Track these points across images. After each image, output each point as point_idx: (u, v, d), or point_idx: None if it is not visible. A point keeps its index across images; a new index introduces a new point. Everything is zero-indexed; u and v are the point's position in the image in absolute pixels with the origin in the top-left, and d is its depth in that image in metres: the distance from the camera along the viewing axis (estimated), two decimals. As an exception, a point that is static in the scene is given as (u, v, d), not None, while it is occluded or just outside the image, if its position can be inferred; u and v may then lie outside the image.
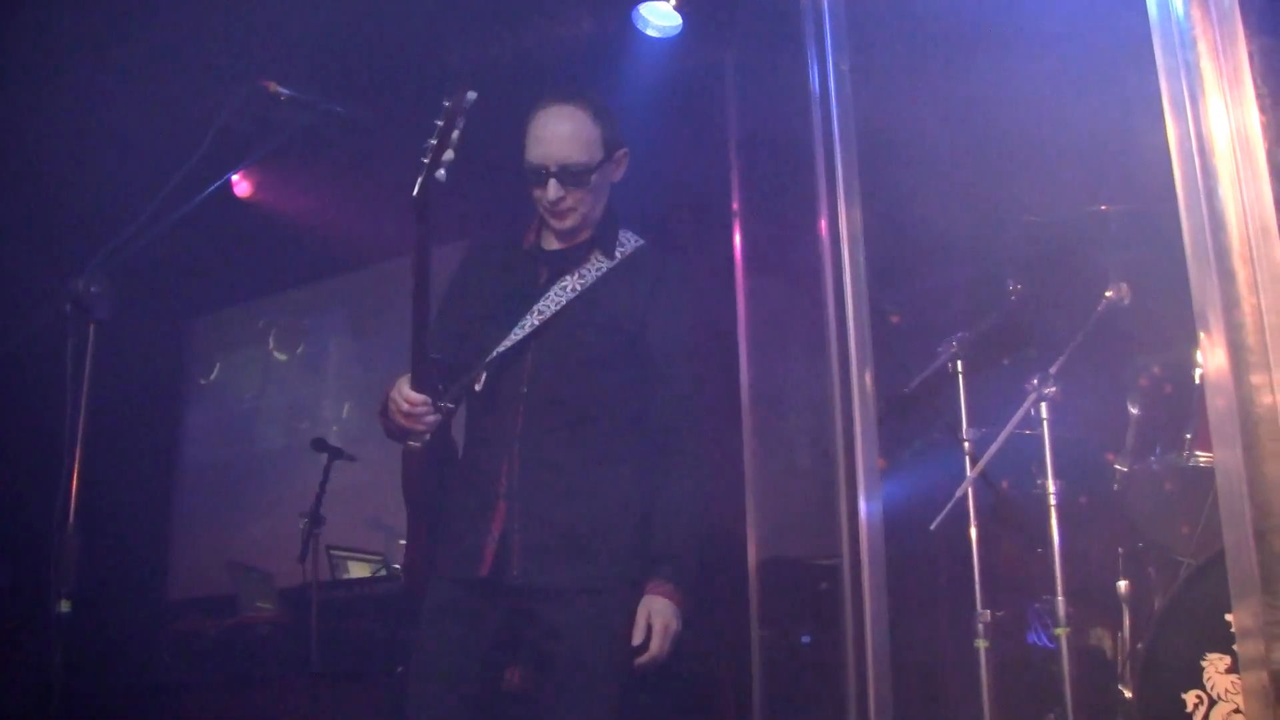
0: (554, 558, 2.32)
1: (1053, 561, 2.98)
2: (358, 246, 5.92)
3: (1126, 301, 3.18)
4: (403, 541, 2.70)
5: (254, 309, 6.87)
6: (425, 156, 2.29)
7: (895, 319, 3.47)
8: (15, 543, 4.63)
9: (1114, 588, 3.29)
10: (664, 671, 2.33)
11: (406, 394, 2.31)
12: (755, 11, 4.01)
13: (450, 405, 2.37)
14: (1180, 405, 3.16)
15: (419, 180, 2.28)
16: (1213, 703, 2.49)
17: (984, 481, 3.20)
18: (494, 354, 2.42)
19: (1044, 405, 3.10)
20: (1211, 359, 1.59)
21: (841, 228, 2.50)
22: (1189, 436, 3.10)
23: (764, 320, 4.05)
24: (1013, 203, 3.45)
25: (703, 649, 3.71)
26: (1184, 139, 1.65)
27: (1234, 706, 2.45)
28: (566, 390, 2.40)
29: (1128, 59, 2.08)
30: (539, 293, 2.46)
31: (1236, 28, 1.64)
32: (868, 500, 2.38)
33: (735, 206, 4.13)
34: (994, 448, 3.12)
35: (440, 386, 2.34)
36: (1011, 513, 3.22)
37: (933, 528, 3.15)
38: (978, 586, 3.12)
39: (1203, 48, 1.65)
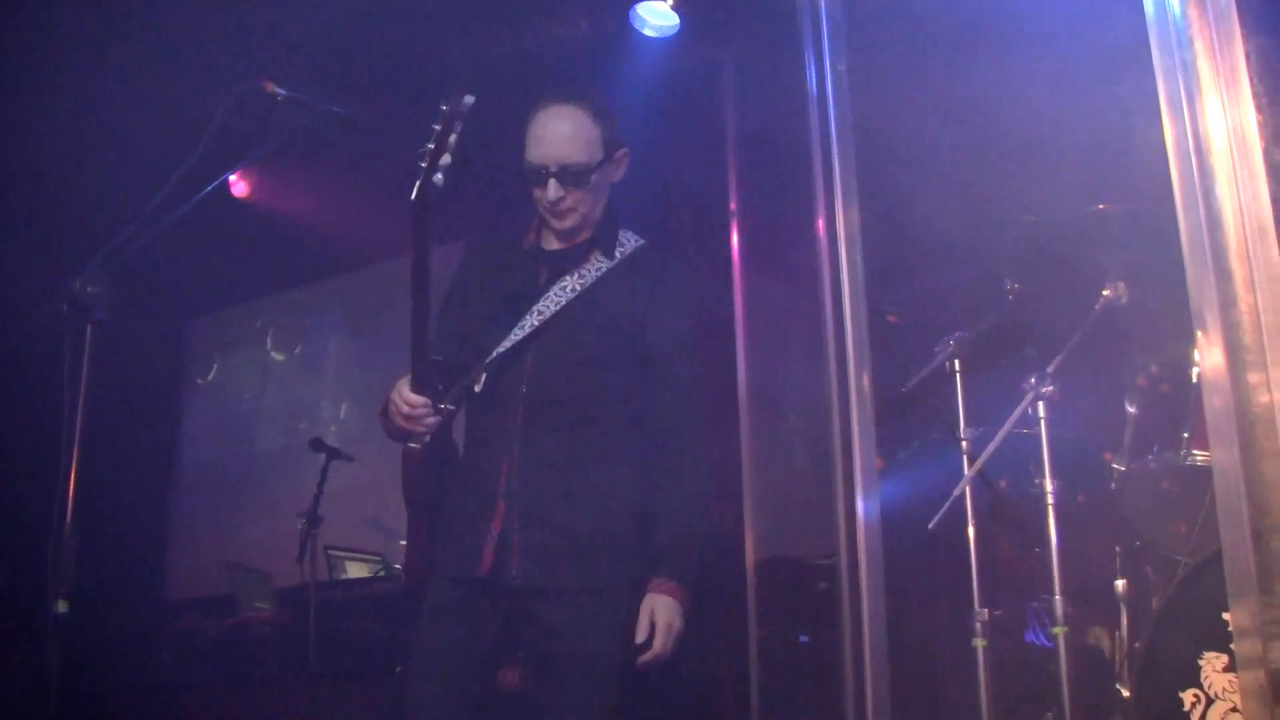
0: (553, 558, 2.32)
1: (1050, 560, 2.98)
2: (356, 247, 5.91)
3: (1124, 301, 3.18)
4: (402, 542, 2.70)
5: (252, 309, 6.86)
6: (423, 161, 2.29)
7: (893, 318, 3.48)
8: (13, 543, 4.62)
9: (1112, 587, 3.29)
10: (665, 670, 2.33)
11: (407, 396, 2.31)
12: (753, 12, 4.00)
13: (451, 407, 2.37)
14: (1178, 404, 3.17)
15: (416, 185, 2.28)
16: (1210, 701, 2.49)
17: (982, 481, 3.20)
18: (494, 354, 2.41)
19: (1041, 404, 3.10)
20: (1209, 358, 1.59)
21: (839, 227, 2.50)
22: (1186, 435, 3.11)
23: (762, 320, 4.04)
24: (1010, 203, 3.46)
25: (701, 649, 3.71)
26: (1181, 138, 1.65)
27: (1231, 705, 2.45)
28: (566, 390, 2.40)
29: (1125, 59, 2.08)
30: (539, 293, 2.46)
31: (1233, 27, 1.65)
32: (866, 500, 2.38)
33: (733, 206, 4.12)
34: (992, 447, 3.13)
35: (440, 388, 2.34)
36: (1009, 512, 3.23)
37: (931, 527, 3.16)
38: (975, 585, 3.11)
39: (1199, 47, 1.66)
